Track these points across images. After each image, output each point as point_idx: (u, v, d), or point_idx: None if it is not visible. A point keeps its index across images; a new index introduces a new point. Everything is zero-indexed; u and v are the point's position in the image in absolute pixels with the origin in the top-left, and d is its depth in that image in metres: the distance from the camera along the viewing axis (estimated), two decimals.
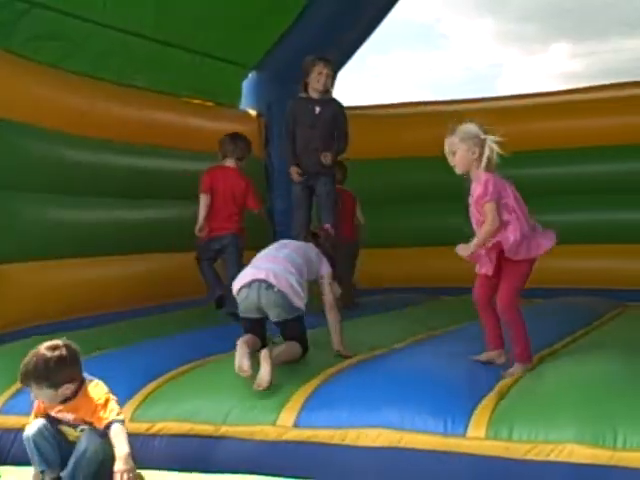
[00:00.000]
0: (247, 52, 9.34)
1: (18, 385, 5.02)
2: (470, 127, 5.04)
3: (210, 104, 9.23)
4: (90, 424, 4.29)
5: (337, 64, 10.28)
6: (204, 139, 8.73)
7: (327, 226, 6.44)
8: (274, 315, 5.08)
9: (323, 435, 4.36)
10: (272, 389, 4.67)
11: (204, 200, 7.38)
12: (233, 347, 5.66)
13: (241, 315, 5.23)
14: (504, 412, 4.23)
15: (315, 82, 7.12)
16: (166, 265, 8.19)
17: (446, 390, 4.46)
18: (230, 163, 7.63)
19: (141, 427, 4.64)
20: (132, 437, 4.58)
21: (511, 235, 4.95)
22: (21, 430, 4.71)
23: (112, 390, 4.47)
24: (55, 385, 4.26)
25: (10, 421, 4.85)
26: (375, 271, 9.32)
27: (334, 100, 7.33)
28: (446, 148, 5.08)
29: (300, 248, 5.44)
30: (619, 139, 8.85)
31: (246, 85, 9.65)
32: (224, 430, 4.52)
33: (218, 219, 7.39)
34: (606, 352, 5.34)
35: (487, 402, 4.34)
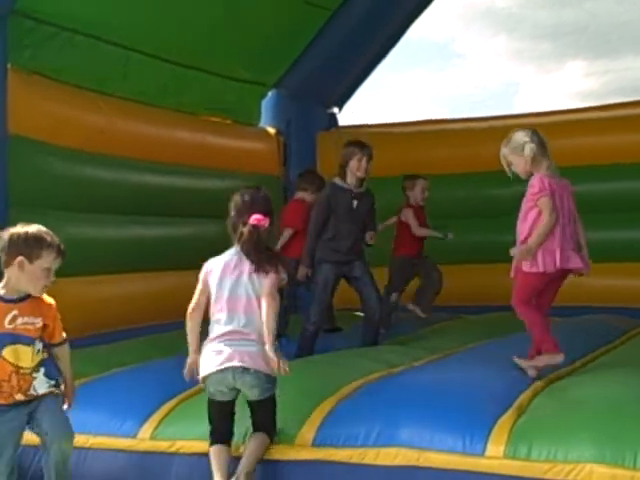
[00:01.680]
0: (266, 71, 9.40)
1: None
2: (517, 136, 5.18)
3: (229, 122, 9.28)
4: (44, 336, 4.26)
5: (355, 83, 10.39)
6: (223, 157, 8.79)
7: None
8: (251, 395, 4.49)
9: (342, 454, 4.36)
10: (291, 408, 4.65)
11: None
12: None
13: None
14: (523, 430, 4.22)
15: (355, 170, 6.79)
16: (185, 282, 8.17)
17: (464, 408, 4.45)
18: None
19: (161, 445, 4.65)
20: (152, 455, 4.63)
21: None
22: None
23: (133, 407, 4.51)
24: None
25: (30, 439, 4.73)
26: None
27: (369, 193, 7.04)
28: (502, 161, 5.22)
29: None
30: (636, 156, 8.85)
31: (265, 103, 9.70)
32: (243, 450, 4.47)
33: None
34: (626, 371, 5.30)
35: (505, 420, 4.32)
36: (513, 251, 5.10)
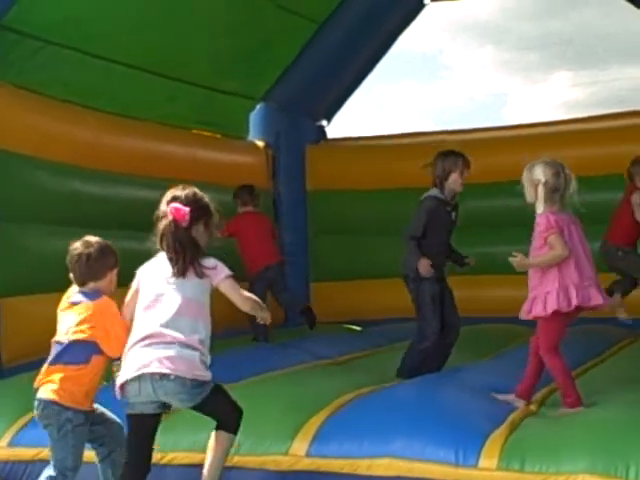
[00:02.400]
0: (254, 84, 9.41)
1: (28, 417, 5.04)
2: (537, 171, 5.07)
3: (218, 136, 9.28)
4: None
5: (343, 95, 10.41)
6: (212, 171, 8.78)
7: None
8: (181, 404, 4.18)
9: (335, 465, 4.35)
10: (284, 418, 4.65)
11: None
12: (242, 376, 5.68)
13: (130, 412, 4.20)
14: (516, 443, 4.22)
15: (457, 184, 6.40)
16: None
17: (458, 420, 4.45)
18: None
19: (154, 457, 4.60)
20: None
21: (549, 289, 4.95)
22: (31, 462, 4.75)
23: (123, 421, 4.47)
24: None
25: (20, 453, 4.86)
26: (383, 302, 9.34)
27: (457, 204, 6.67)
28: (523, 180, 5.14)
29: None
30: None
31: (253, 116, 9.70)
32: (236, 460, 4.50)
33: None
34: (618, 382, 5.32)
35: (499, 433, 4.32)
36: (512, 258, 5.03)
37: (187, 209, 4.26)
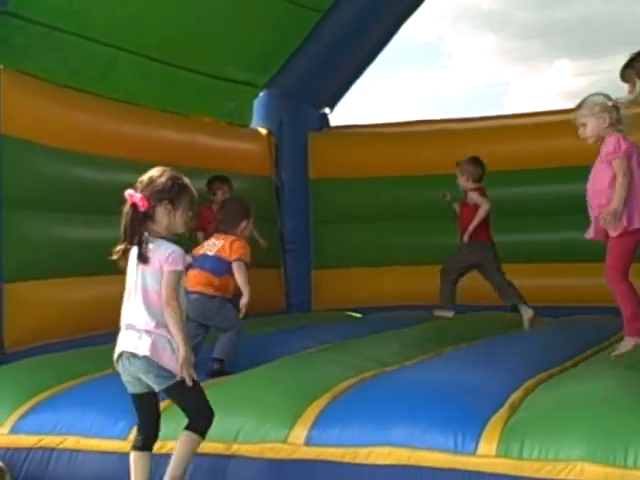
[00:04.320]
0: (258, 72, 9.39)
1: (29, 404, 5.07)
2: (596, 98, 5.25)
3: (220, 123, 9.27)
4: None
5: (346, 83, 10.40)
6: (214, 158, 8.78)
7: None
8: (152, 383, 4.24)
9: (334, 453, 4.35)
10: (283, 406, 4.66)
11: None
12: (244, 366, 5.70)
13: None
14: (514, 429, 4.22)
15: None
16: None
17: (456, 407, 4.45)
18: None
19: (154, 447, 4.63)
20: None
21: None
22: (32, 449, 4.76)
23: (124, 409, 4.49)
24: None
25: (21, 440, 4.86)
26: (386, 289, 9.36)
27: None
28: (578, 120, 5.26)
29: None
30: None
31: (257, 103, 9.69)
32: (235, 448, 4.51)
33: None
34: (617, 371, 5.30)
35: (497, 419, 4.33)
36: (603, 216, 5.08)
37: (138, 195, 4.21)
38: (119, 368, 4.27)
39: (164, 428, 4.62)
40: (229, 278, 6.06)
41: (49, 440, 4.81)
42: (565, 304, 8.65)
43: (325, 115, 10.37)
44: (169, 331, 4.14)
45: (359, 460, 4.30)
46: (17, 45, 6.79)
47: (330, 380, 5.11)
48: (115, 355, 4.27)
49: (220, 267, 6.05)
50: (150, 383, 4.21)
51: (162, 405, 4.83)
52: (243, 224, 6.29)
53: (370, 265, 9.57)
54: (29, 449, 4.78)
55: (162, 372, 4.14)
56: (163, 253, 4.19)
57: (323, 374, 5.29)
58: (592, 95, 5.30)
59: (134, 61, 7.85)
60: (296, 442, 4.45)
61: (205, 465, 4.50)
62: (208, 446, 4.52)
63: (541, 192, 9.01)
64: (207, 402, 4.29)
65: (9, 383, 5.43)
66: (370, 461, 4.28)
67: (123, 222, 4.24)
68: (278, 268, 9.65)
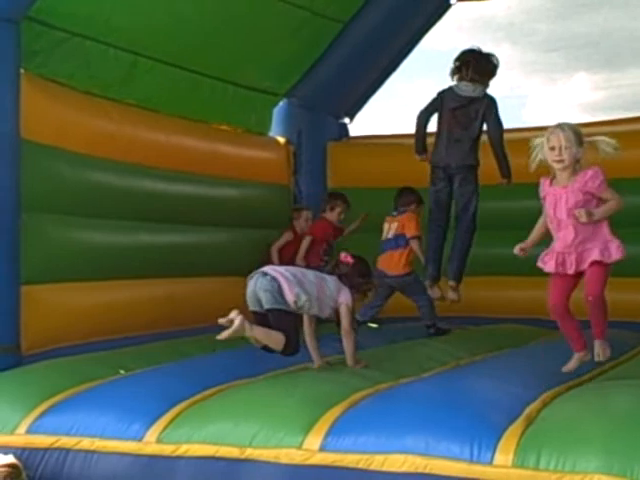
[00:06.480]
0: (279, 80, 9.42)
1: (46, 405, 5.09)
2: (578, 129, 5.46)
3: (240, 131, 9.30)
4: None
5: (367, 93, 10.40)
6: (233, 165, 8.80)
7: None
8: (264, 300, 5.46)
9: (349, 460, 4.35)
10: (298, 412, 4.66)
11: None
12: (259, 371, 5.71)
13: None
14: (531, 439, 4.20)
15: None
16: (191, 289, 8.23)
17: (473, 416, 4.44)
18: None
19: (167, 449, 4.64)
20: (157, 459, 4.64)
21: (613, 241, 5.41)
22: (49, 449, 4.78)
23: (139, 411, 4.50)
24: None
25: (38, 440, 4.88)
26: (402, 300, 9.31)
27: None
28: (562, 142, 5.38)
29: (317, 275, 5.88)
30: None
31: (276, 112, 9.71)
32: (249, 453, 4.51)
33: None
34: (635, 384, 5.28)
35: (514, 429, 4.31)
36: (578, 211, 5.30)
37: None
38: (247, 288, 5.66)
39: (179, 432, 4.65)
40: None
41: (65, 441, 4.82)
42: (581, 317, 8.59)
43: (345, 125, 10.37)
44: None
45: (374, 467, 4.29)
46: (38, 50, 6.83)
47: (347, 389, 5.11)
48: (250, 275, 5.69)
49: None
50: (262, 297, 5.54)
51: (177, 410, 4.88)
52: None
53: None
54: (45, 449, 4.80)
55: (277, 294, 5.47)
56: None
57: (340, 383, 5.29)
58: (576, 126, 5.47)
59: (154, 67, 7.89)
60: (311, 448, 4.44)
61: (219, 468, 4.51)
62: (222, 450, 4.54)
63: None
64: (297, 333, 5.56)
65: (26, 384, 5.45)
66: (385, 468, 4.27)
67: None
68: None
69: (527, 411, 4.61)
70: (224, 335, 5.20)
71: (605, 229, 5.44)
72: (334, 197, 8.94)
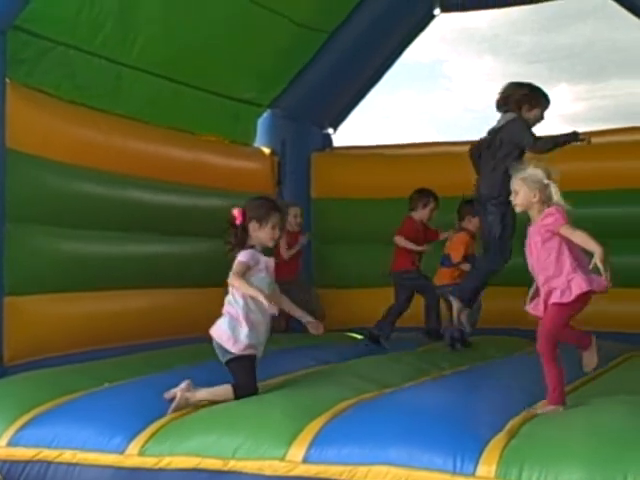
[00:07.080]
0: (263, 91, 9.44)
1: (27, 417, 5.06)
2: (535, 171, 5.17)
3: (224, 141, 9.30)
4: None
5: (350, 104, 10.43)
6: (217, 176, 8.80)
7: None
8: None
9: (332, 471, 4.34)
10: (281, 424, 4.65)
11: None
12: None
13: None
14: (514, 452, 4.20)
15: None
16: (177, 300, 8.22)
17: (456, 428, 4.44)
18: None
19: (149, 462, 4.62)
20: (139, 472, 4.61)
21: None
22: (30, 462, 4.75)
23: (120, 424, 4.47)
24: None
25: (19, 453, 4.84)
26: None
27: None
28: (514, 186, 5.23)
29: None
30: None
31: (261, 123, 9.73)
32: (232, 464, 4.49)
33: None
34: (616, 396, 5.30)
35: (497, 441, 4.31)
36: (592, 264, 4.98)
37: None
38: None
39: (162, 445, 4.63)
40: None
41: (47, 453, 4.79)
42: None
43: (328, 135, 10.40)
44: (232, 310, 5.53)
45: (357, 478, 4.28)
46: (24, 60, 6.82)
47: (329, 400, 5.10)
48: None
49: None
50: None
51: (160, 423, 4.86)
52: None
53: (372, 286, 9.55)
54: (26, 462, 4.76)
55: (219, 350, 5.39)
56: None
57: (322, 394, 5.28)
58: (534, 167, 5.22)
59: (140, 78, 7.89)
60: (294, 459, 4.43)
61: None
62: (205, 462, 4.53)
63: None
64: (254, 379, 5.36)
65: (7, 396, 5.41)
66: None
67: None
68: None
69: (511, 423, 4.62)
70: (169, 411, 5.05)
71: (568, 265, 5.05)
72: (426, 194, 8.42)
